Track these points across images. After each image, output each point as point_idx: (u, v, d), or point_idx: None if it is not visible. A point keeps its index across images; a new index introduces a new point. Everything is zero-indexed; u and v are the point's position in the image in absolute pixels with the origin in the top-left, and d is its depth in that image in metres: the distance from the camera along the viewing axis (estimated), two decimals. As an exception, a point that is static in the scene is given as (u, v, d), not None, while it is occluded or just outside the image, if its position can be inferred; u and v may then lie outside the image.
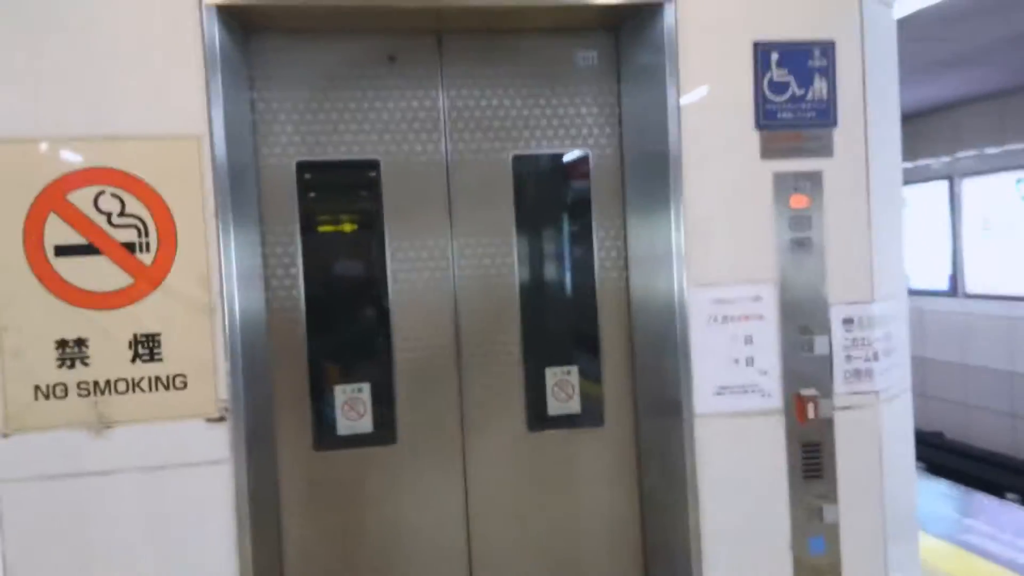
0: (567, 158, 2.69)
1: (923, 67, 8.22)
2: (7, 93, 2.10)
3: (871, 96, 2.51)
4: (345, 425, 2.57)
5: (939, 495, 6.28)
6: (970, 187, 11.26)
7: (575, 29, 2.62)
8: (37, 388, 2.12)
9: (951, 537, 5.23)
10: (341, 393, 2.57)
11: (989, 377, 10.83)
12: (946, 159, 11.46)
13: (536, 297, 2.69)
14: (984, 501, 6.22)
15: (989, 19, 6.83)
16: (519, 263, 2.66)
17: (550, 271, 2.73)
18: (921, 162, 11.37)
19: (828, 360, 2.45)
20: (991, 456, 10.52)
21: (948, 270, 11.57)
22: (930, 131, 11.25)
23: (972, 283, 11.24)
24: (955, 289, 11.47)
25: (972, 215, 11.23)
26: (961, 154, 11.26)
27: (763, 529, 2.45)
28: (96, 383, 2.15)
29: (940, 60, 8.20)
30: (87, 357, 2.14)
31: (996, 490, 7.89)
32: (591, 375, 2.71)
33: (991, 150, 10.73)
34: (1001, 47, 7.87)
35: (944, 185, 11.57)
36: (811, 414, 2.42)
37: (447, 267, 2.62)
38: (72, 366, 2.14)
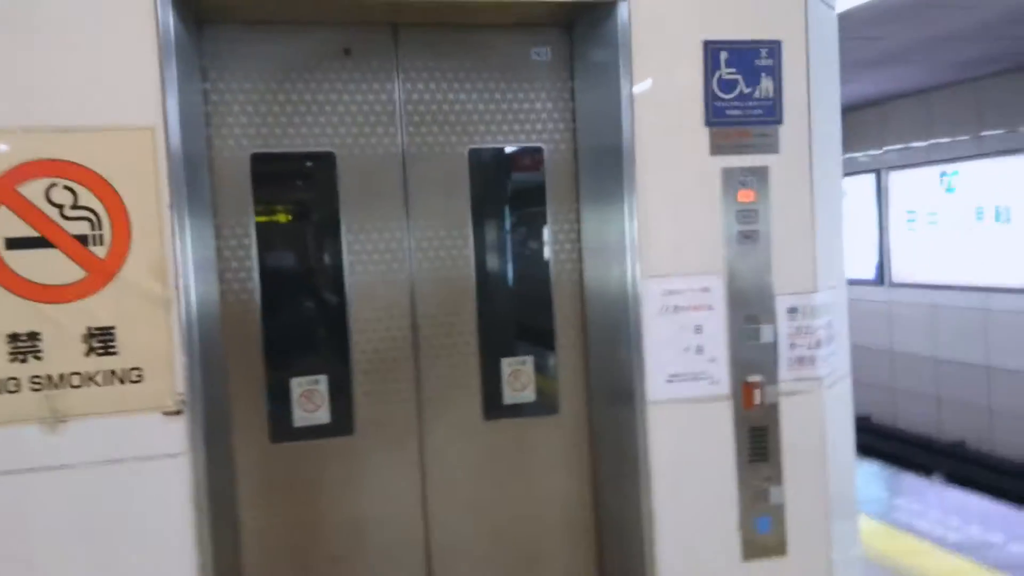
0: (522, 152, 2.73)
1: (852, 64, 8.47)
2: (-46, 82, 2.04)
3: (815, 94, 2.60)
4: (302, 417, 2.57)
5: (869, 476, 6.52)
6: (896, 180, 11.66)
7: (530, 25, 2.66)
8: (-12, 383, 2.08)
9: (881, 516, 5.45)
10: (298, 385, 2.57)
11: (914, 362, 11.26)
12: (874, 152, 11.84)
13: (492, 288, 2.73)
14: (912, 481, 6.48)
15: (916, 20, 7.09)
16: (475, 255, 2.69)
17: (506, 263, 2.77)
18: (849, 155, 11.71)
19: (773, 348, 2.55)
20: (917, 438, 10.96)
21: (875, 260, 11.98)
22: (858, 125, 11.60)
23: (898, 272, 11.66)
24: (882, 278, 11.89)
25: (898, 207, 11.64)
26: (888, 148, 11.65)
27: (712, 510, 2.54)
28: (49, 377, 2.11)
29: (869, 58, 8.48)
30: (39, 351, 2.11)
31: (922, 471, 8.22)
32: (546, 364, 2.76)
33: (917, 144, 11.13)
34: (927, 46, 8.18)
35: (871, 178, 11.96)
36: (757, 400, 2.52)
37: (404, 259, 2.64)
38: (24, 360, 2.10)
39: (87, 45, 2.10)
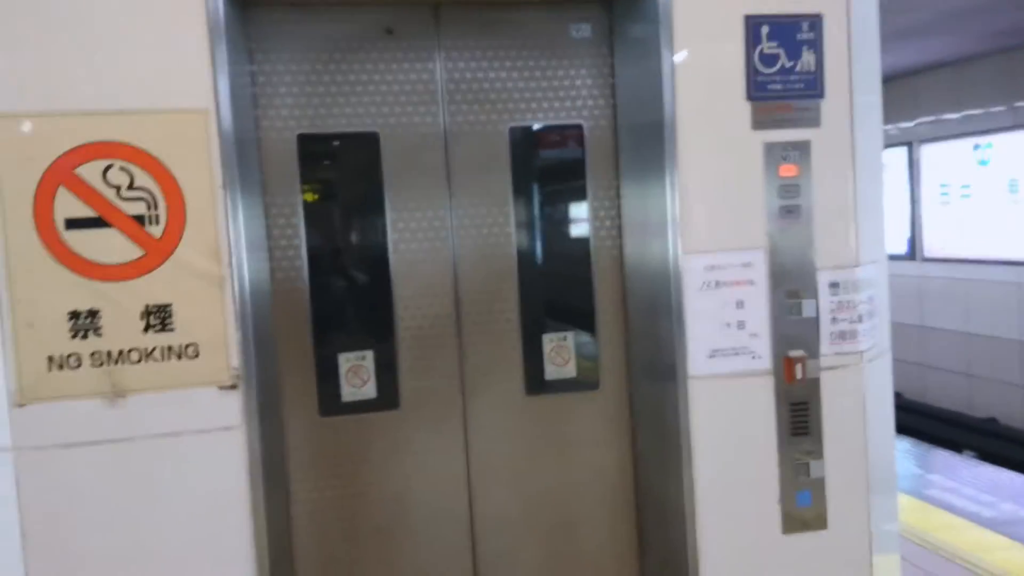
0: (562, 129, 2.75)
1: (885, 35, 8.36)
2: (15, 68, 2.10)
3: (856, 67, 2.59)
4: (349, 391, 2.63)
5: (902, 452, 6.52)
6: (929, 152, 11.51)
7: (570, 2, 2.67)
8: (50, 359, 2.15)
9: (915, 492, 5.46)
10: (345, 361, 2.62)
11: (946, 339, 11.17)
12: (905, 125, 11.69)
13: (533, 265, 2.76)
14: (944, 457, 6.47)
15: (951, -11, 6.98)
16: (516, 232, 2.72)
17: (546, 240, 2.79)
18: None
19: (815, 322, 2.56)
20: (948, 415, 10.89)
21: (907, 234, 11.86)
22: (890, 97, 11.42)
23: (930, 247, 11.54)
24: (913, 253, 11.77)
25: (930, 180, 11.50)
26: (920, 120, 11.49)
27: (753, 485, 2.56)
28: (109, 353, 2.18)
29: (901, 29, 8.35)
30: (100, 328, 2.17)
31: (954, 447, 8.19)
32: (586, 340, 2.80)
33: (950, 116, 10.97)
34: (960, 17, 8.05)
35: (903, 151, 11.81)
36: (799, 374, 2.54)
37: (446, 237, 2.68)
38: (85, 337, 2.17)
39: (141, 29, 2.15)
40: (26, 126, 2.11)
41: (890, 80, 11.37)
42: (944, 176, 11.27)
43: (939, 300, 11.30)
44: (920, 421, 10.70)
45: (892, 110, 11.51)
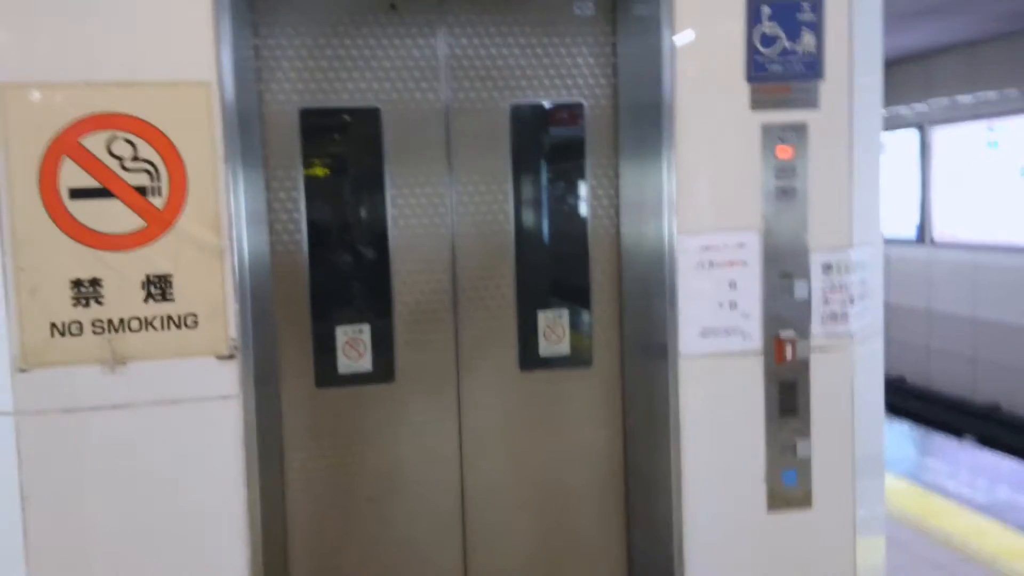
0: (563, 107, 2.76)
1: (897, 16, 8.29)
2: (23, 39, 2.13)
3: (857, 49, 2.59)
4: (346, 364, 2.68)
5: (900, 436, 6.55)
6: (940, 135, 11.43)
7: None
8: (53, 325, 2.20)
9: (911, 476, 5.49)
10: (342, 333, 2.67)
11: (952, 323, 11.15)
12: (918, 107, 11.60)
13: (530, 242, 2.79)
14: (942, 442, 6.50)
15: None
16: (515, 209, 2.75)
17: (544, 217, 2.82)
18: (892, 110, 11.48)
19: (807, 304, 2.59)
20: (951, 400, 10.90)
21: (916, 218, 11.80)
22: (902, 79, 11.35)
23: (940, 232, 11.48)
24: (923, 237, 11.72)
25: (942, 163, 11.42)
26: (933, 102, 11.40)
27: (740, 462, 2.60)
28: (110, 321, 2.23)
29: (914, 9, 8.28)
30: (101, 296, 2.22)
31: (956, 433, 8.22)
32: (581, 318, 2.83)
33: (963, 98, 10.88)
34: (976, -3, 7.98)
35: (914, 133, 11.73)
36: (789, 355, 2.57)
37: (445, 213, 2.70)
38: (87, 305, 2.21)
39: (147, 2, 2.17)
40: (33, 95, 2.14)
41: (902, 61, 11.28)
42: (955, 159, 11.19)
43: (947, 285, 11.27)
44: (923, 406, 10.71)
45: (904, 92, 11.47)
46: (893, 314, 11.15)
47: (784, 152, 2.55)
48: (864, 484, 2.70)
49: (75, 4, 2.14)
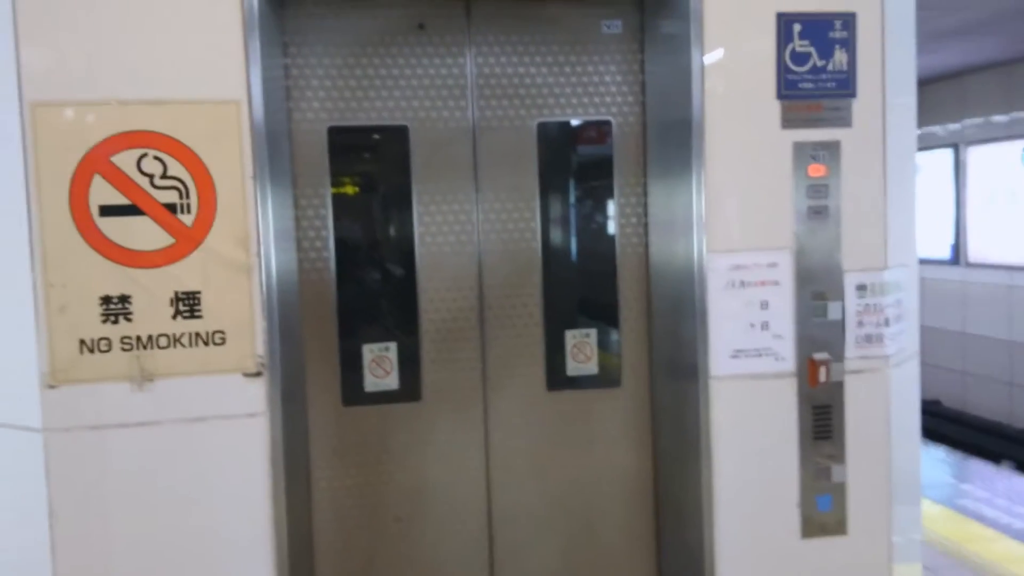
0: (590, 125, 2.75)
1: (931, 35, 8.21)
2: (54, 57, 2.16)
3: (889, 67, 2.56)
4: (372, 382, 2.67)
5: (936, 461, 6.42)
6: (975, 155, 11.27)
7: None
8: (82, 342, 2.21)
9: (947, 501, 5.37)
10: (369, 351, 2.66)
11: (988, 346, 10.94)
12: (952, 126, 11.46)
13: (557, 261, 2.77)
14: (980, 467, 6.35)
15: (1000, -12, 6.83)
16: (542, 228, 2.73)
17: (572, 236, 2.80)
18: (926, 129, 11.36)
19: (840, 325, 2.54)
20: (988, 424, 10.67)
21: (951, 239, 11.62)
22: (936, 98, 11.22)
23: (975, 252, 11.30)
24: (957, 258, 11.54)
25: (977, 184, 11.26)
26: (967, 121, 11.26)
27: (773, 487, 2.55)
28: (139, 338, 2.24)
29: (948, 28, 8.19)
30: (130, 313, 2.23)
31: (992, 458, 8.03)
32: (609, 338, 2.80)
33: (998, 118, 10.73)
34: (1011, 16, 7.87)
35: (949, 153, 11.58)
36: (823, 377, 2.52)
37: (472, 231, 2.70)
38: (116, 321, 2.22)
39: (177, 23, 2.20)
40: (65, 114, 2.17)
41: (937, 81, 11.16)
42: (991, 179, 11.03)
43: (982, 306, 11.06)
44: (959, 430, 10.49)
45: (938, 111, 11.34)
46: (927, 336, 11.00)
47: (816, 171, 2.51)
48: (900, 510, 2.63)
49: (107, 24, 2.17)
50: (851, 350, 2.55)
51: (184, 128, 2.21)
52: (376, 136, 2.67)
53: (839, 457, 2.54)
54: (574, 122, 2.75)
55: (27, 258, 2.16)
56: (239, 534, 2.30)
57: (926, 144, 11.50)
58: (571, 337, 2.78)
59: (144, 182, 2.20)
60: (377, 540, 2.70)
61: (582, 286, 2.85)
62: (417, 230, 2.66)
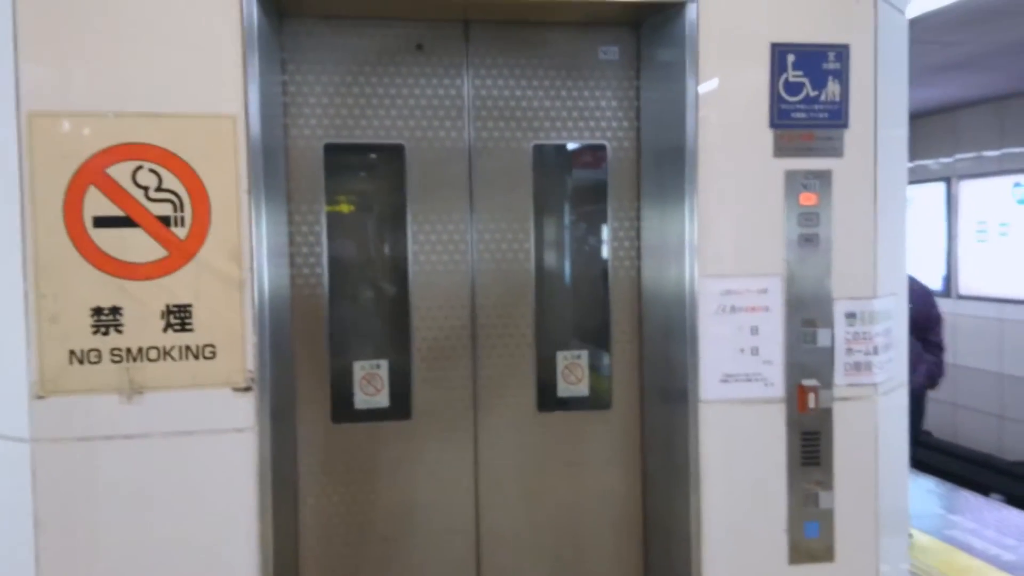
0: (585, 149, 2.78)
1: (924, 69, 8.30)
2: (53, 68, 2.17)
3: (881, 99, 2.59)
4: (363, 400, 2.67)
5: (926, 491, 6.41)
6: (967, 189, 11.36)
7: (599, 24, 2.70)
8: (72, 353, 2.20)
9: (936, 532, 5.36)
10: (360, 368, 2.66)
11: (979, 378, 10.97)
12: (944, 160, 11.55)
13: (550, 283, 2.78)
14: (969, 498, 6.35)
15: (993, 24, 6.91)
16: (535, 249, 2.74)
17: (565, 258, 2.82)
18: (918, 163, 11.45)
19: (830, 352, 2.55)
20: (978, 456, 10.68)
21: (942, 271, 11.69)
22: (928, 132, 11.32)
23: (965, 284, 11.36)
24: (948, 290, 11.59)
25: (968, 217, 11.34)
26: (959, 156, 11.35)
27: (760, 512, 2.54)
28: (129, 350, 2.23)
29: (942, 63, 8.28)
30: (121, 325, 2.22)
31: (982, 490, 8.02)
32: (600, 360, 2.80)
33: (989, 153, 10.83)
34: (1004, 52, 7.96)
35: (941, 186, 11.67)
36: (811, 404, 2.52)
37: (466, 251, 2.71)
38: (106, 333, 2.22)
39: (176, 36, 2.21)
40: (62, 125, 2.17)
41: (929, 115, 11.27)
42: (982, 213, 11.11)
43: (973, 339, 11.11)
44: (949, 461, 10.49)
45: (930, 145, 11.44)
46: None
47: (808, 199, 2.53)
48: (888, 540, 2.63)
49: (106, 37, 2.18)
50: (840, 377, 2.56)
51: (180, 142, 2.22)
52: (372, 154, 2.68)
53: (827, 483, 2.54)
54: (569, 145, 2.77)
55: (19, 267, 2.16)
56: (225, 549, 2.28)
57: (919, 177, 11.59)
58: (562, 359, 2.78)
59: (139, 194, 2.21)
60: (364, 559, 2.68)
61: (574, 308, 2.86)
62: (411, 249, 2.67)
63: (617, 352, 2.79)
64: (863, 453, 2.58)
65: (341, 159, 2.62)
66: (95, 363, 2.22)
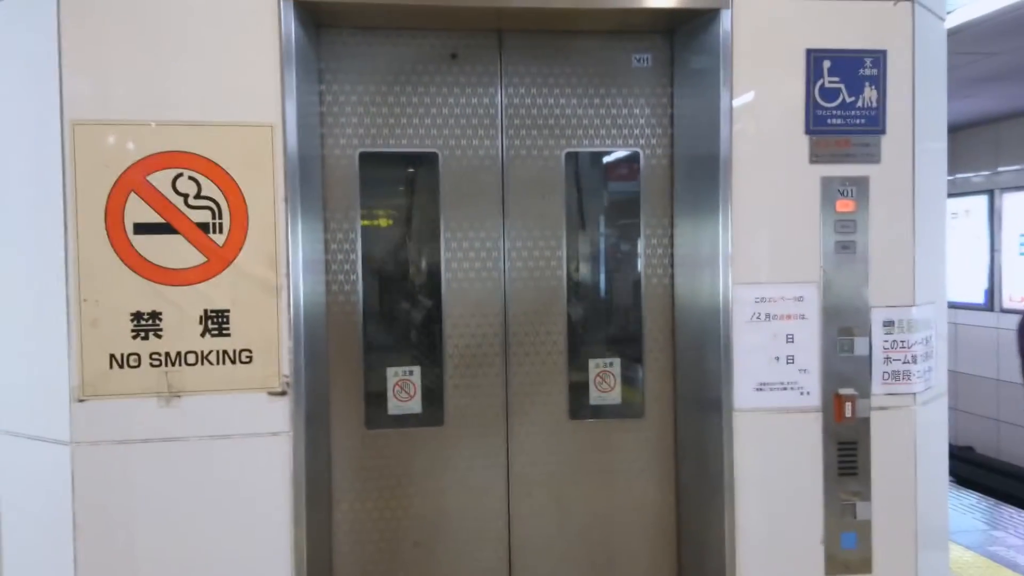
0: (618, 157, 2.77)
1: (966, 80, 8.18)
2: (96, 79, 2.22)
3: (919, 106, 2.56)
4: (396, 405, 2.68)
5: (968, 507, 6.28)
6: (1010, 201, 11.15)
7: (632, 32, 2.70)
8: (112, 357, 2.25)
9: (979, 548, 5.24)
10: (393, 375, 2.67)
11: (1022, 392, 10.73)
12: (987, 173, 11.35)
13: (582, 290, 2.78)
14: (1013, 514, 6.20)
15: (1036, 34, 6.80)
16: (567, 256, 2.75)
17: (597, 265, 2.81)
18: (961, 175, 11.28)
19: (867, 361, 2.51)
20: (1021, 471, 10.43)
21: (985, 284, 11.47)
22: (971, 144, 11.14)
23: (1009, 297, 11.14)
24: (991, 304, 11.37)
25: (1011, 230, 11.13)
26: (1002, 168, 11.15)
27: (796, 523, 2.51)
28: (168, 354, 2.27)
29: (984, 74, 8.15)
30: (160, 329, 2.27)
31: (1026, 506, 7.84)
32: (633, 368, 2.79)
33: (1033, 165, 10.63)
34: (1046, 62, 7.82)
35: (984, 199, 11.47)
36: (848, 413, 2.49)
37: (498, 258, 2.71)
38: (146, 337, 2.26)
39: (215, 48, 2.26)
40: (104, 133, 2.22)
41: (972, 126, 11.08)
42: (1025, 226, 10.90)
43: (1017, 353, 10.86)
44: (992, 477, 10.26)
45: (973, 157, 11.26)
46: (961, 382, 10.81)
47: (845, 205, 2.51)
48: (927, 556, 2.58)
49: (147, 48, 2.23)
50: (877, 386, 2.52)
51: (219, 150, 2.26)
52: (406, 162, 2.71)
53: (864, 494, 2.50)
54: (602, 153, 2.77)
55: (62, 273, 2.21)
56: (259, 552, 2.31)
57: (961, 190, 11.41)
58: (594, 366, 2.78)
59: (179, 201, 2.25)
60: (396, 565, 2.69)
61: (607, 315, 2.85)
62: (444, 256, 2.69)
63: (650, 360, 2.78)
64: (901, 464, 2.54)
65: (376, 167, 2.65)
66: (134, 367, 2.26)
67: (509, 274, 2.72)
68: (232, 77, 2.27)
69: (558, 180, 2.73)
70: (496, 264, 2.72)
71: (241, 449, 2.30)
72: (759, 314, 2.49)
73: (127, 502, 2.27)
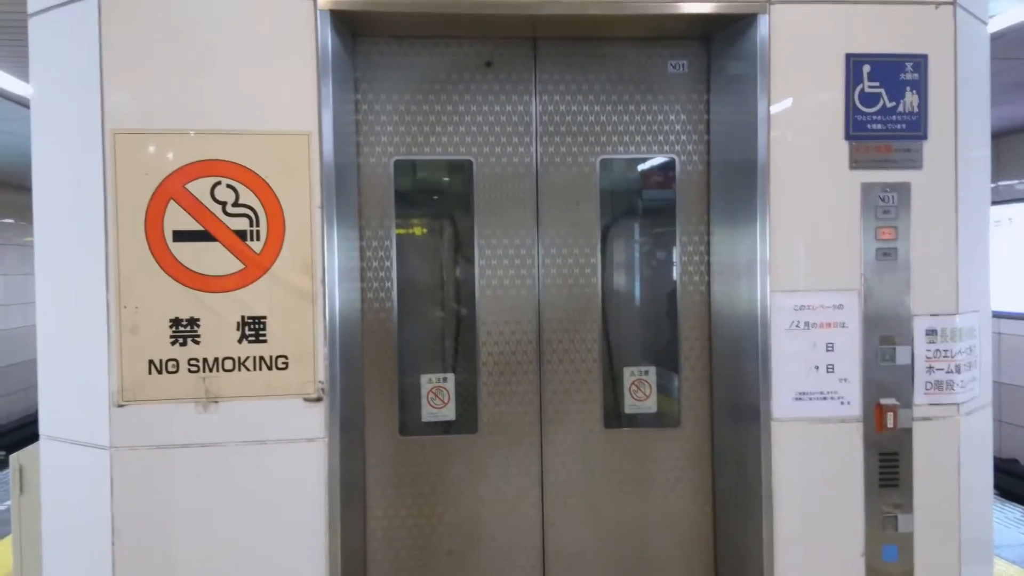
0: (653, 164, 2.76)
1: (1010, 86, 8.02)
2: (136, 89, 2.26)
3: (962, 110, 2.51)
4: (430, 413, 2.68)
5: (1013, 520, 6.13)
6: (1056, 209, 10.90)
7: (668, 38, 2.69)
8: (151, 363, 2.28)
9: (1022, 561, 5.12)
10: (427, 382, 2.68)
11: (1069, 405, 10.46)
12: (1032, 180, 11.12)
13: (617, 298, 2.76)
14: (1060, 529, 6.05)
15: (1083, 37, 6.64)
16: (602, 264, 2.73)
17: (632, 273, 2.79)
18: (1004, 182, 11.06)
19: (909, 370, 2.46)
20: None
21: (1029, 293, 11.22)
22: (1015, 151, 10.92)
23: (1053, 307, 10.88)
24: (1036, 313, 11.11)
25: (1057, 237, 10.87)
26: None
27: (836, 535, 2.47)
28: (205, 360, 2.29)
29: (1025, 78, 7.99)
30: (198, 336, 2.29)
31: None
32: (669, 376, 2.77)
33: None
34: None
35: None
36: (890, 423, 2.44)
37: (533, 266, 2.71)
38: (184, 344, 2.28)
39: (253, 58, 2.29)
40: (144, 142, 2.26)
41: (1015, 133, 10.85)
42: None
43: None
44: (1037, 490, 10.01)
45: (1017, 164, 11.01)
46: (1007, 394, 10.58)
47: (886, 212, 2.46)
48: (971, 568, 2.52)
49: (186, 58, 2.27)
50: (920, 396, 2.47)
51: (257, 159, 2.29)
52: (441, 169, 2.71)
53: (906, 506, 2.45)
54: (637, 160, 2.76)
55: (102, 279, 2.25)
56: (294, 559, 2.32)
57: (1004, 197, 11.18)
58: (629, 375, 2.76)
59: (217, 209, 2.28)
60: (429, 572, 2.69)
61: (642, 323, 2.83)
62: (478, 263, 2.69)
63: (686, 369, 2.75)
64: (945, 475, 2.48)
65: (410, 174, 2.66)
66: (173, 373, 2.28)
67: (543, 281, 2.71)
68: (269, 87, 2.29)
69: (592, 187, 2.72)
70: (530, 271, 2.71)
71: (277, 455, 2.32)
72: (798, 322, 2.45)
73: (164, 506, 2.30)
